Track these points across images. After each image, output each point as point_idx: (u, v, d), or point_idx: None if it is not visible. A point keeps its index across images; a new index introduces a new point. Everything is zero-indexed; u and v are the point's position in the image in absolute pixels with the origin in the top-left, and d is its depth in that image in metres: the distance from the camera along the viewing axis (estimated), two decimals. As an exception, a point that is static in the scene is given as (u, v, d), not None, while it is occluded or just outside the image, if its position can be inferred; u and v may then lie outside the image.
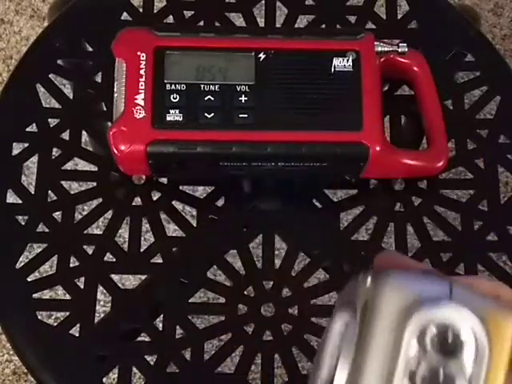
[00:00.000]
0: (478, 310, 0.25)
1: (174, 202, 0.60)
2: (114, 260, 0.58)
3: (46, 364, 0.55)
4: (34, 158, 0.60)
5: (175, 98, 0.54)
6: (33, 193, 0.59)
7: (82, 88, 0.63)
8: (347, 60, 0.56)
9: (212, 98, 0.55)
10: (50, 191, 0.59)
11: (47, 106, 0.62)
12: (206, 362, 0.55)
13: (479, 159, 0.62)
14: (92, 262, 0.58)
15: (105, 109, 0.62)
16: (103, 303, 0.63)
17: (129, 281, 0.67)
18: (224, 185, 0.61)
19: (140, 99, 0.54)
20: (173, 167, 0.57)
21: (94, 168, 0.60)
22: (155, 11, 0.66)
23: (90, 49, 0.64)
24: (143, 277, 0.59)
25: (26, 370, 0.56)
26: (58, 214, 0.58)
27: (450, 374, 0.25)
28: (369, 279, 0.26)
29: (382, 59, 0.58)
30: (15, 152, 0.60)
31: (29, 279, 0.56)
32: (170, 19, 0.66)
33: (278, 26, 0.66)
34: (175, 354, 0.55)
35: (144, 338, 0.56)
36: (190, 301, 0.57)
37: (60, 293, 0.58)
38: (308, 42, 0.57)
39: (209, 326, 0.57)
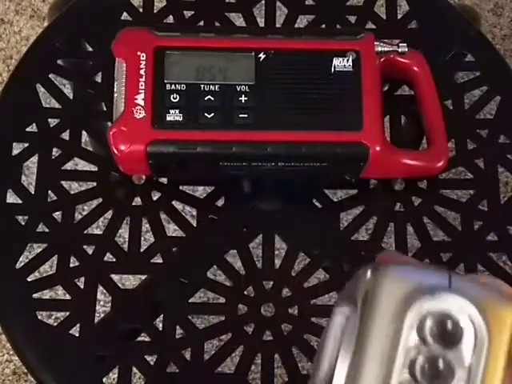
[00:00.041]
0: (477, 299, 0.25)
1: (174, 202, 0.60)
2: (114, 260, 0.58)
3: (46, 364, 0.55)
4: (34, 158, 0.60)
5: (175, 98, 0.54)
6: (33, 193, 0.59)
7: (82, 88, 0.63)
8: (347, 60, 0.56)
9: (212, 98, 0.55)
10: (50, 191, 0.59)
11: (47, 106, 0.62)
12: (205, 362, 0.55)
13: (479, 159, 0.62)
14: (92, 262, 0.58)
15: (105, 109, 0.62)
16: (103, 303, 0.63)
17: (129, 281, 0.67)
18: (224, 185, 0.61)
19: (140, 99, 0.54)
20: (173, 167, 0.57)
21: (94, 168, 0.60)
22: (155, 11, 0.66)
23: (90, 49, 0.64)
24: (143, 277, 0.59)
25: (25, 370, 0.57)
26: (58, 214, 0.58)
27: (450, 363, 0.25)
28: (369, 271, 0.27)
29: (382, 59, 0.58)
30: (15, 152, 0.60)
31: (29, 279, 0.56)
32: (170, 19, 0.66)
33: (278, 26, 0.66)
34: (175, 353, 0.55)
35: (144, 338, 0.56)
36: (190, 301, 0.57)
37: (60, 293, 0.58)
38: (308, 42, 0.57)
39: (209, 326, 0.57)
